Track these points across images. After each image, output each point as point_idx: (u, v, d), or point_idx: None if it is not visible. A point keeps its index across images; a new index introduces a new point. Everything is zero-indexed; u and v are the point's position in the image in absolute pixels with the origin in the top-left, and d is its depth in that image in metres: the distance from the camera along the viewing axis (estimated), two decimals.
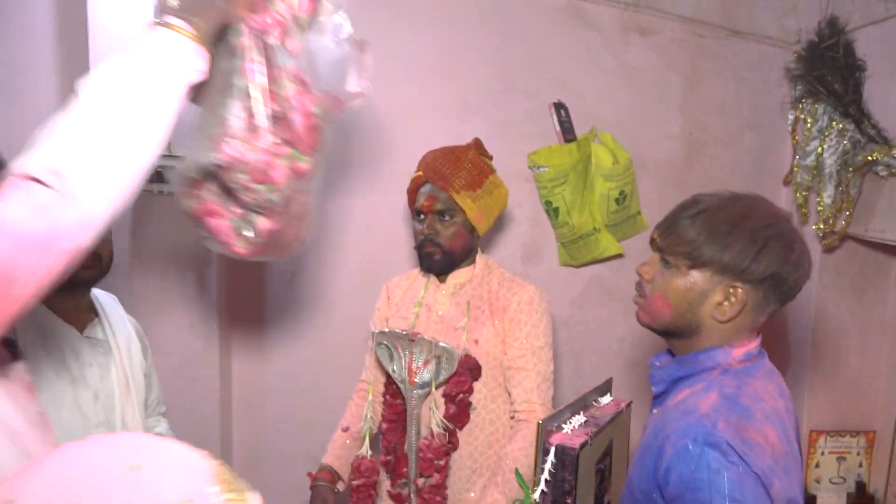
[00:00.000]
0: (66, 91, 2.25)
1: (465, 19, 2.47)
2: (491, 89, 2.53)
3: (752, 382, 1.12)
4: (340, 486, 1.84)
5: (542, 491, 1.14)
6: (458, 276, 1.83)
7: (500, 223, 2.58)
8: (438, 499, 1.62)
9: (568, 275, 2.68)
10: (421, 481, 1.64)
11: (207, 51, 0.98)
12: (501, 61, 2.52)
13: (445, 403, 1.72)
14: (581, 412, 1.33)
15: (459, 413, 1.69)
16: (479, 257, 1.88)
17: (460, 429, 1.71)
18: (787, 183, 2.62)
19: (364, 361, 1.99)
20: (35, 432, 1.03)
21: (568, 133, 2.52)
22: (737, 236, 1.11)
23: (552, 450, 1.13)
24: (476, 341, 1.75)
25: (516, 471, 1.27)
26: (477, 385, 1.74)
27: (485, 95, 2.52)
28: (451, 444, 1.69)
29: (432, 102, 2.48)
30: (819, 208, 2.31)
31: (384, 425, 1.81)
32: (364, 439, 1.80)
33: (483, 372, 1.73)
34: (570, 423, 1.23)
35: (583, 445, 1.13)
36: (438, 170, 1.79)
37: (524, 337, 1.73)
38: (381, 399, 1.84)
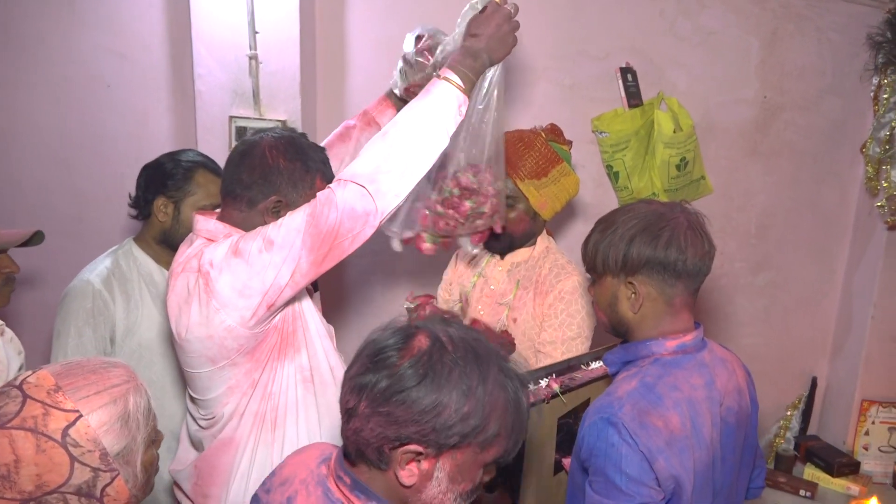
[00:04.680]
0: (174, 54, 2.57)
1: None
2: (561, 53, 2.60)
3: (675, 373, 1.30)
4: None
5: None
6: (516, 255, 1.95)
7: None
8: None
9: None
10: None
11: (468, 98, 1.52)
12: (572, 25, 2.58)
13: None
14: (557, 374, 1.52)
15: None
16: (541, 239, 1.97)
17: None
18: (864, 152, 2.55)
19: None
20: (328, 335, 1.65)
21: (633, 98, 2.57)
22: (610, 240, 1.33)
23: None
24: (515, 320, 1.88)
25: None
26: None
27: (554, 59, 2.60)
28: None
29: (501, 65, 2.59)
30: (885, 184, 2.27)
31: None
32: None
33: (517, 350, 1.86)
34: (541, 382, 1.44)
35: (533, 403, 1.36)
36: (506, 155, 1.85)
37: (558, 325, 1.82)
38: None
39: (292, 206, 1.52)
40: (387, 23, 2.58)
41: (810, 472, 2.59)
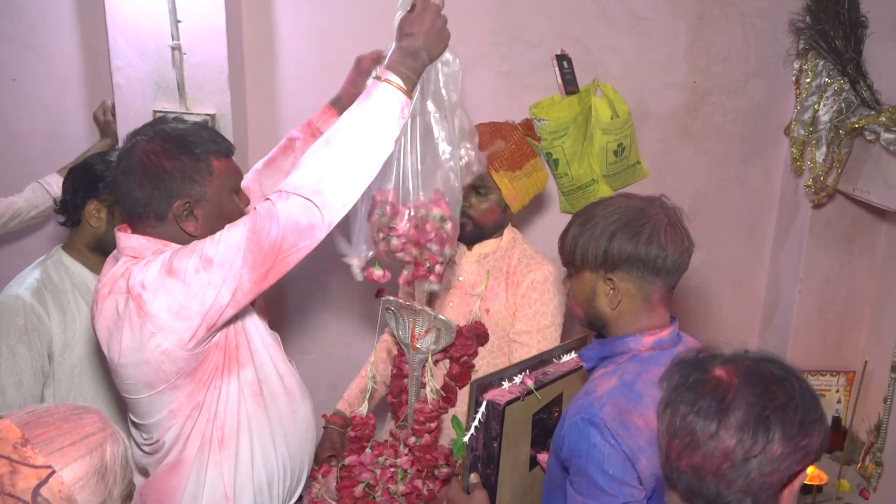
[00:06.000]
0: (86, 44, 2.40)
1: None
2: (496, 40, 2.58)
3: (653, 369, 1.29)
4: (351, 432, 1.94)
5: (472, 434, 1.38)
6: (484, 245, 1.93)
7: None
8: (428, 457, 1.72)
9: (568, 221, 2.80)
10: (412, 440, 1.74)
11: (410, 99, 1.43)
12: (507, 11, 2.56)
13: (450, 363, 1.85)
14: (529, 370, 1.51)
15: (461, 373, 1.83)
16: (508, 231, 1.96)
17: (460, 388, 1.85)
18: (787, 134, 2.66)
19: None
20: (274, 343, 1.61)
21: (570, 85, 2.58)
22: (590, 235, 1.31)
23: (484, 403, 1.34)
24: (487, 311, 1.87)
25: (454, 417, 1.49)
26: (482, 351, 1.86)
27: (490, 46, 2.58)
28: (447, 404, 1.82)
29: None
30: (811, 164, 2.37)
31: (394, 370, 1.93)
32: (365, 397, 1.87)
33: (490, 341, 1.86)
34: (515, 379, 1.43)
35: (509, 402, 1.34)
36: (481, 145, 1.79)
37: (532, 314, 1.83)
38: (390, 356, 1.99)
39: (202, 199, 1.44)
40: (316, 10, 2.49)
41: None
